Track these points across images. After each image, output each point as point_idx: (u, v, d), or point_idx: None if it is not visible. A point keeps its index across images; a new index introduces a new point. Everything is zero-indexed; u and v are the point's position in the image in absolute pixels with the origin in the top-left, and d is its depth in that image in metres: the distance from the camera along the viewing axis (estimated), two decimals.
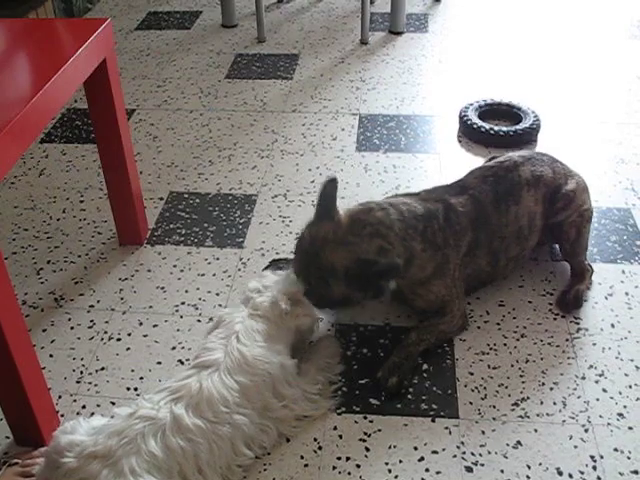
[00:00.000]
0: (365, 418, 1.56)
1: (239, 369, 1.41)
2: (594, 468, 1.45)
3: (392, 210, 1.65)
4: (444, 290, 1.70)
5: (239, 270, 1.96)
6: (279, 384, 1.45)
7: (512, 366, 1.68)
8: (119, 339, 1.77)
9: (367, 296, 1.62)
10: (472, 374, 1.66)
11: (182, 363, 1.69)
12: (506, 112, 2.62)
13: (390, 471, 1.45)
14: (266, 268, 1.90)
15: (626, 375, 1.65)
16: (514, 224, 1.77)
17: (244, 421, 1.38)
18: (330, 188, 1.65)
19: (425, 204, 1.71)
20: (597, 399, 1.59)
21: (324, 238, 1.59)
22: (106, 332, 1.79)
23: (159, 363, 1.70)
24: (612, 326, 1.78)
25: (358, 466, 1.46)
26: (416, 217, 1.67)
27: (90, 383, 1.66)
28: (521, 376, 1.65)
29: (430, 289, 1.69)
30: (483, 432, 1.52)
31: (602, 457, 1.47)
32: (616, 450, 1.48)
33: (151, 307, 1.85)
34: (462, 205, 1.73)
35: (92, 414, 1.57)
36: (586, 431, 1.52)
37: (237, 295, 1.87)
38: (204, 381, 1.37)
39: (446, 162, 2.42)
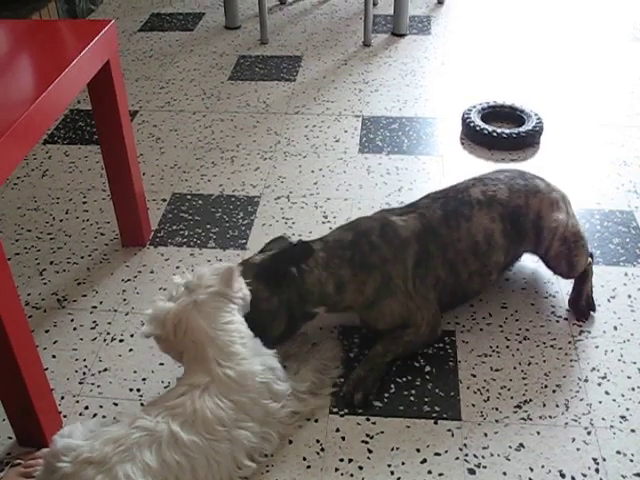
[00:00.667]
0: (367, 420, 1.56)
1: (231, 390, 1.38)
2: (597, 471, 1.45)
3: (317, 243, 1.67)
4: (398, 307, 1.67)
5: None
6: (273, 384, 1.44)
7: (515, 368, 1.68)
8: (122, 340, 1.77)
9: (278, 298, 1.59)
10: (475, 376, 1.66)
11: None
12: (509, 114, 2.62)
13: (392, 473, 1.45)
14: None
15: (629, 378, 1.65)
16: (468, 239, 1.72)
17: (245, 435, 1.37)
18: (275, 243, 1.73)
19: (356, 230, 1.69)
20: (600, 402, 1.59)
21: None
22: (109, 333, 1.79)
23: (161, 364, 1.70)
24: (615, 328, 1.78)
25: (360, 468, 1.46)
26: (342, 246, 1.66)
27: (93, 384, 1.66)
28: (524, 378, 1.65)
29: (382, 310, 1.67)
30: (486, 434, 1.52)
31: (605, 460, 1.47)
32: (619, 453, 1.48)
33: None
34: (403, 220, 1.71)
35: (94, 415, 1.57)
36: (589, 434, 1.52)
37: None
38: (197, 402, 1.34)
39: (449, 164, 2.42)
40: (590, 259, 1.85)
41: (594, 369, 1.67)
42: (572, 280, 1.85)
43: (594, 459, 1.47)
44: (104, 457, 1.26)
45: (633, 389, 1.62)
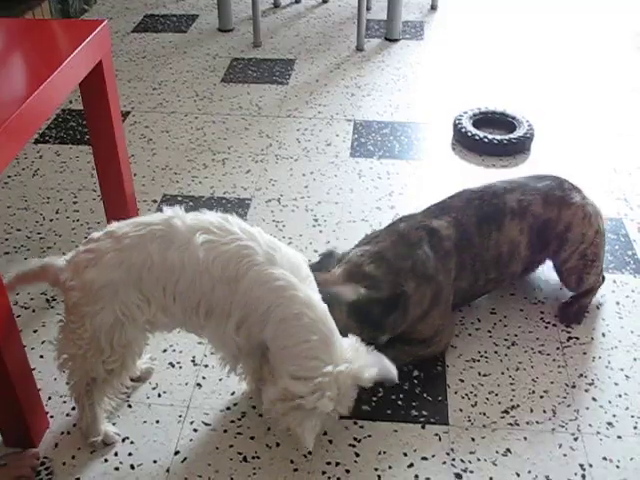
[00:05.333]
0: (355, 423, 1.56)
1: None
2: (583, 477, 1.45)
3: (378, 262, 1.61)
4: (439, 319, 1.68)
5: None
6: None
7: (502, 374, 1.68)
8: None
9: (364, 334, 1.52)
10: (462, 381, 1.66)
11: (172, 366, 1.69)
12: (500, 120, 2.63)
13: (379, 477, 1.45)
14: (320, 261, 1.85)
15: (616, 384, 1.65)
16: (494, 249, 1.73)
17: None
18: (327, 259, 1.68)
19: (407, 239, 1.66)
20: (587, 408, 1.60)
21: (324, 279, 1.57)
22: None
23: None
24: (603, 335, 1.78)
25: (347, 471, 1.46)
26: (403, 258, 1.62)
27: None
28: (511, 384, 1.65)
29: (427, 322, 1.66)
30: (473, 439, 1.53)
31: (591, 466, 1.47)
32: (605, 459, 1.49)
33: None
34: (445, 228, 1.69)
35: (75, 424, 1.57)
36: (575, 440, 1.53)
37: None
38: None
39: (440, 169, 2.43)
40: (602, 280, 1.86)
41: (582, 375, 1.68)
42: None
43: (581, 465, 1.47)
44: (122, 235, 1.33)
45: (620, 396, 1.63)
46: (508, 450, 1.51)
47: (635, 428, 1.55)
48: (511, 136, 2.50)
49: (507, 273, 1.78)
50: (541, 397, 1.62)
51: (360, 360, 1.35)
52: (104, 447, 1.50)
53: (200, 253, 1.31)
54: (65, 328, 1.39)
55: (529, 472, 1.46)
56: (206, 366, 1.69)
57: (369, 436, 1.54)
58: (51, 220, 2.18)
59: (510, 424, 1.56)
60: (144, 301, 1.33)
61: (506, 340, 1.77)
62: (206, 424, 1.56)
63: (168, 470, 1.47)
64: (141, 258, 1.31)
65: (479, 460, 1.48)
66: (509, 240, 1.74)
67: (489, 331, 1.80)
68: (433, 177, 2.38)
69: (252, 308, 1.32)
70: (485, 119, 2.63)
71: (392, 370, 1.38)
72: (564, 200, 1.77)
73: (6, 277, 1.40)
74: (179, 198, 2.27)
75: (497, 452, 1.50)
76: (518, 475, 1.45)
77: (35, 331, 1.79)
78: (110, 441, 1.51)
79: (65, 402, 1.61)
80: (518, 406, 1.60)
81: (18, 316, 1.82)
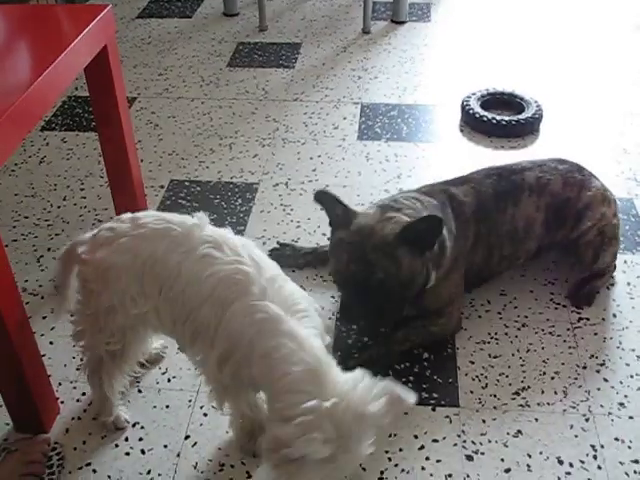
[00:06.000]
0: None
1: None
2: (594, 457, 1.45)
3: (418, 204, 1.62)
4: (454, 287, 1.68)
5: None
6: None
7: (513, 355, 1.67)
8: None
9: (424, 267, 1.54)
10: (473, 363, 1.66)
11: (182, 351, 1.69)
12: (508, 102, 2.61)
13: (390, 459, 1.45)
14: (272, 252, 1.94)
15: (627, 365, 1.65)
16: (510, 224, 1.73)
17: None
18: (327, 196, 1.62)
19: (434, 196, 1.68)
20: (598, 388, 1.59)
21: (363, 226, 1.53)
22: None
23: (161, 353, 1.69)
24: (614, 316, 1.77)
25: None
26: (436, 207, 1.63)
27: None
28: (522, 365, 1.65)
29: (445, 285, 1.66)
30: (484, 421, 1.52)
31: (603, 446, 1.47)
32: (617, 439, 1.48)
33: None
34: (464, 195, 1.70)
35: (91, 403, 1.57)
36: (587, 420, 1.52)
37: None
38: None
39: (448, 151, 2.41)
40: (614, 266, 1.85)
41: (592, 356, 1.67)
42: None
43: (592, 446, 1.47)
44: (142, 224, 1.33)
45: (631, 376, 1.62)
46: (519, 431, 1.50)
47: None
48: (520, 117, 2.48)
49: (522, 250, 1.78)
50: (552, 378, 1.62)
51: (363, 392, 1.14)
52: (115, 431, 1.51)
53: (196, 265, 1.27)
54: (78, 301, 1.40)
55: (540, 453, 1.46)
56: None
57: None
58: (58, 207, 2.18)
59: (521, 405, 1.56)
60: (141, 295, 1.31)
61: (516, 322, 1.76)
62: (216, 408, 1.55)
63: (179, 454, 1.47)
64: (148, 251, 1.30)
65: (490, 442, 1.48)
66: (525, 216, 1.74)
67: (499, 313, 1.79)
68: (441, 159, 2.37)
69: (234, 343, 1.23)
70: (493, 100, 2.61)
71: (407, 395, 1.18)
72: (584, 183, 1.79)
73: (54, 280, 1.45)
74: (186, 183, 2.27)
75: (508, 434, 1.50)
76: (529, 456, 1.45)
77: (44, 317, 1.80)
78: (121, 425, 1.51)
79: (75, 388, 1.61)
80: (529, 387, 1.60)
81: (27, 303, 1.82)
